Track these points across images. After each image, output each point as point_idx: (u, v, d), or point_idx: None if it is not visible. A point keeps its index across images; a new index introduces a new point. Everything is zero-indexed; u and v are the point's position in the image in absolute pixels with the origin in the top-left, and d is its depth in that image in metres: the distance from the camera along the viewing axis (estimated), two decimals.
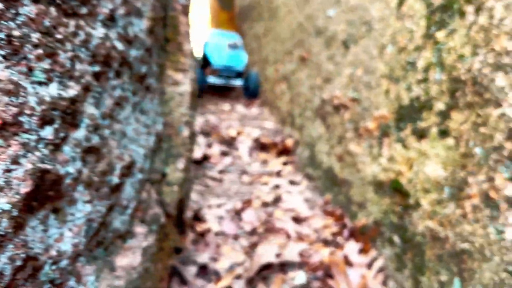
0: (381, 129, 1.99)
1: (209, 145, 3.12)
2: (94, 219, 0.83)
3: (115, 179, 0.93)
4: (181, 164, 1.55)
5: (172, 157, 1.55)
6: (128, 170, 1.04)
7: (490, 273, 1.29)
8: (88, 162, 0.80)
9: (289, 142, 3.15)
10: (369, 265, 1.83)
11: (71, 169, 0.73)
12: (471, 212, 1.39)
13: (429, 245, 1.57)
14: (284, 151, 3.11)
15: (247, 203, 2.35)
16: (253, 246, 1.97)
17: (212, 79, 4.79)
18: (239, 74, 5.11)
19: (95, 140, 0.82)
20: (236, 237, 2.08)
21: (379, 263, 1.79)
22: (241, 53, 5.07)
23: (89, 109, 0.81)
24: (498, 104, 1.32)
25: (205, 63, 5.07)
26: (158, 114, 1.40)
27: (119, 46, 0.98)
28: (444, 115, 1.58)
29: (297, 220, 2.20)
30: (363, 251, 1.91)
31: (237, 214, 2.28)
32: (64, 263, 0.73)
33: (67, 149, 0.72)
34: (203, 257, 1.86)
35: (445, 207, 1.51)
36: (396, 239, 1.77)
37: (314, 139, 2.80)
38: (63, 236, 0.73)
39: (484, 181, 1.35)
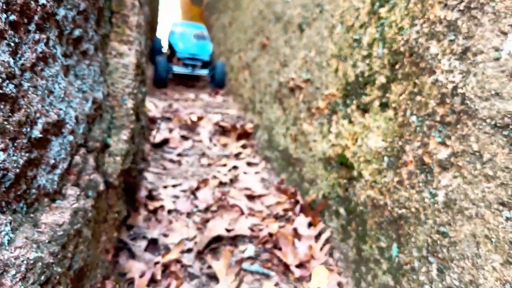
0: (330, 107, 2.03)
1: (170, 130, 3.11)
2: (9, 169, 0.82)
3: (36, 133, 0.92)
4: (124, 135, 1.54)
5: (116, 128, 1.54)
6: (55, 128, 1.04)
7: (424, 235, 1.35)
8: (0, 110, 0.79)
9: (249, 126, 3.17)
10: (317, 237, 1.87)
11: None
12: (407, 179, 1.45)
13: (370, 214, 1.61)
14: (244, 135, 3.13)
15: (203, 182, 2.36)
16: (205, 222, 1.98)
17: (177, 68, 4.78)
18: (205, 64, 5.10)
19: (9, 88, 0.82)
20: (189, 215, 2.09)
21: (326, 235, 1.84)
22: (206, 43, 5.11)
23: (3, 56, 0.80)
24: (432, 72, 1.37)
25: (170, 52, 5.09)
26: (98, 82, 1.40)
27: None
28: (385, 88, 1.63)
29: (251, 198, 2.23)
30: (312, 224, 1.95)
31: (192, 193, 2.28)
32: None
33: None
34: (153, 233, 1.86)
35: (384, 176, 1.56)
36: (341, 211, 1.81)
37: (272, 122, 2.83)
38: None
39: (419, 147, 1.41)
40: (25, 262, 0.86)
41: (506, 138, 1.08)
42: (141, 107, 1.88)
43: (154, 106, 3.27)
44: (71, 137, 1.14)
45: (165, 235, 1.88)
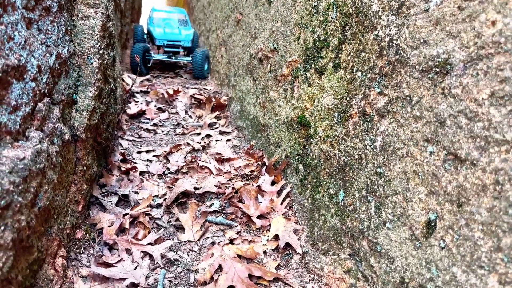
0: (293, 73, 2.14)
1: (147, 103, 3.20)
2: None
3: None
4: (90, 92, 1.63)
5: (82, 86, 1.63)
6: (15, 72, 1.13)
7: (365, 178, 1.47)
8: None
9: (223, 99, 3.27)
10: (279, 193, 1.99)
11: None
12: (352, 130, 1.56)
13: (323, 166, 1.73)
14: (218, 107, 3.23)
15: (176, 147, 2.47)
16: (175, 181, 2.09)
17: (156, 56, 4.43)
18: (187, 51, 4.87)
19: None
20: (160, 176, 2.20)
21: (286, 190, 1.96)
22: (187, 29, 4.80)
23: None
24: (374, 28, 1.48)
25: (150, 39, 4.84)
26: (63, 40, 1.48)
27: None
28: (338, 50, 1.73)
29: (221, 161, 2.34)
30: (275, 182, 2.07)
31: (165, 158, 2.39)
32: None
33: None
34: (125, 191, 1.96)
35: (335, 130, 1.68)
36: (300, 167, 1.93)
37: (244, 93, 2.94)
38: None
39: (361, 99, 1.52)
40: None
41: (431, 80, 1.20)
42: (110, 70, 1.96)
43: (131, 80, 3.35)
44: (33, 84, 1.23)
45: (136, 192, 1.98)
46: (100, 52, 1.68)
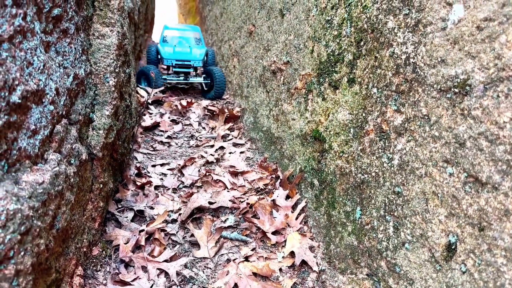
0: (307, 86, 2.13)
1: (161, 114, 3.21)
2: None
3: (15, 98, 1.03)
4: (107, 111, 1.65)
5: (99, 104, 1.65)
6: (35, 97, 1.14)
7: (382, 197, 1.45)
8: None
9: (236, 109, 3.28)
10: (294, 208, 1.98)
11: None
12: (369, 146, 1.55)
13: (338, 182, 1.72)
14: (231, 119, 3.24)
15: (190, 161, 2.47)
16: (190, 196, 2.09)
17: (167, 78, 4.07)
18: (201, 72, 4.50)
19: None
20: (175, 190, 2.20)
21: (301, 205, 1.94)
22: (199, 47, 4.36)
23: None
24: (389, 45, 1.47)
25: (160, 59, 4.38)
26: (79, 60, 1.50)
27: None
28: (352, 65, 1.72)
29: (235, 174, 2.33)
30: (289, 196, 2.05)
31: (179, 171, 2.39)
32: None
33: None
34: (140, 206, 1.97)
35: (350, 146, 1.66)
36: (315, 182, 1.92)
37: (257, 105, 2.93)
38: None
39: (378, 116, 1.51)
40: (5, 212, 0.96)
41: (449, 100, 1.18)
42: (126, 87, 1.98)
43: (145, 92, 3.38)
44: (51, 107, 1.24)
45: (151, 208, 1.99)
46: (116, 70, 1.70)
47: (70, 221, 1.38)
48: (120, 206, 1.95)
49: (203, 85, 4.22)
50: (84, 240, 1.56)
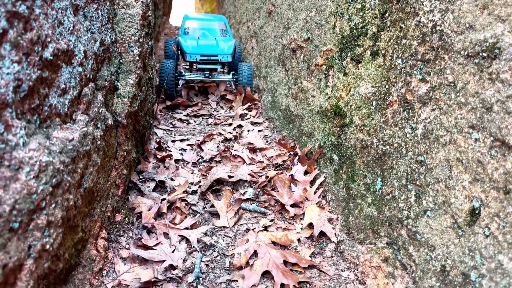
0: (328, 63, 2.12)
1: (180, 94, 3.24)
2: (23, 80, 0.96)
3: (47, 54, 1.05)
4: (131, 79, 1.67)
5: (123, 73, 1.67)
6: (65, 56, 1.17)
7: (404, 166, 1.45)
8: (14, 26, 0.92)
9: (251, 93, 3.29)
10: (312, 183, 1.99)
11: None
12: (391, 118, 1.54)
13: (359, 155, 1.72)
14: (249, 99, 3.25)
15: (209, 137, 2.49)
16: (209, 169, 2.12)
17: (189, 75, 3.47)
18: (226, 68, 3.91)
19: (22, 8, 0.95)
20: (194, 164, 2.23)
21: (320, 180, 1.95)
22: (226, 40, 3.72)
23: None
24: (415, 14, 1.45)
25: (180, 54, 3.79)
26: (106, 27, 1.52)
27: None
28: (376, 37, 1.71)
29: (253, 150, 2.35)
30: (308, 172, 2.06)
31: (198, 146, 2.42)
32: None
33: None
34: (161, 177, 2.00)
35: (372, 118, 1.66)
36: (334, 157, 1.92)
37: (276, 84, 2.94)
38: None
39: (402, 86, 1.50)
40: (38, 163, 0.99)
41: (477, 65, 1.17)
42: (149, 59, 2.00)
43: None
44: (80, 69, 1.27)
45: (172, 179, 2.02)
46: (140, 40, 1.72)
47: (96, 183, 1.41)
48: (141, 177, 1.99)
49: (232, 83, 3.65)
50: (108, 205, 1.59)
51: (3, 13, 0.89)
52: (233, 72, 3.57)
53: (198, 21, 4.00)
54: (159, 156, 2.17)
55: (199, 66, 3.42)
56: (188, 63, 3.70)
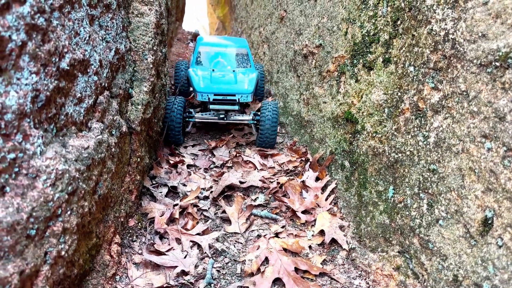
0: (339, 69, 2.13)
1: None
2: (40, 90, 0.98)
3: (64, 65, 1.08)
4: (145, 87, 1.70)
5: (137, 80, 1.70)
6: (81, 65, 1.19)
7: (417, 175, 1.45)
8: (33, 38, 0.95)
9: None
10: (323, 189, 1.99)
11: (14, 36, 0.88)
12: (404, 125, 1.54)
13: (371, 162, 1.72)
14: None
15: (221, 142, 2.51)
16: (221, 175, 2.13)
17: (200, 115, 2.77)
18: (246, 108, 3.22)
19: (40, 21, 0.97)
20: (206, 170, 2.24)
21: (331, 186, 1.95)
22: (247, 71, 2.94)
23: None
24: (428, 22, 1.45)
25: (190, 87, 3.10)
26: (120, 36, 1.55)
27: None
28: (388, 44, 1.71)
29: (265, 156, 2.36)
30: (319, 178, 2.06)
31: (210, 152, 2.44)
32: (9, 116, 0.88)
33: (9, 17, 0.87)
34: (174, 182, 2.02)
35: (384, 126, 1.66)
36: (346, 163, 1.92)
37: (287, 90, 2.95)
38: (8, 93, 0.88)
39: (414, 94, 1.49)
40: (54, 171, 1.02)
41: (490, 75, 1.17)
42: (162, 66, 2.03)
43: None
44: (95, 78, 1.29)
45: (184, 185, 2.04)
46: (154, 48, 1.74)
47: (110, 190, 1.43)
48: (154, 182, 2.01)
49: (252, 126, 2.80)
50: (122, 211, 1.61)
51: (22, 25, 0.91)
52: (254, 112, 2.78)
53: (213, 47, 3.20)
54: (171, 161, 2.19)
55: (212, 106, 2.69)
56: (197, 101, 3.02)
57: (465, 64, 1.26)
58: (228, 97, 2.62)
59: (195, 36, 5.54)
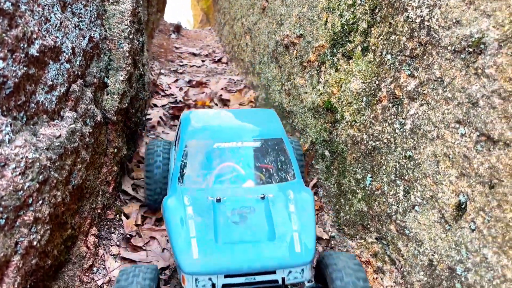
0: (320, 59, 2.13)
1: (180, 88, 3.25)
2: (8, 77, 0.95)
3: (33, 51, 1.05)
4: (121, 76, 1.67)
5: (113, 69, 1.67)
6: (52, 53, 1.16)
7: (393, 162, 1.46)
8: None
9: (252, 95, 3.29)
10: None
11: None
12: (381, 113, 1.55)
13: (349, 151, 1.72)
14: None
15: None
16: None
17: None
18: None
19: (7, 5, 0.94)
20: None
21: (312, 182, 1.96)
22: (294, 201, 1.39)
23: None
24: (404, 9, 1.45)
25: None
26: (95, 24, 1.52)
27: None
28: (366, 33, 1.71)
29: None
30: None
31: None
32: None
33: None
34: None
35: (362, 114, 1.66)
36: (326, 153, 1.92)
37: (269, 80, 2.94)
38: None
39: (391, 82, 1.50)
40: (24, 159, 0.99)
41: (463, 61, 1.18)
42: (140, 56, 2.00)
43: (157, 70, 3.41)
44: (68, 65, 1.26)
45: None
46: (130, 37, 1.71)
47: (85, 180, 1.41)
48: (134, 184, 1.98)
49: None
50: (99, 202, 1.59)
51: None
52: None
53: (214, 139, 1.57)
54: None
55: None
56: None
57: (440, 50, 1.27)
58: (259, 277, 1.25)
59: (177, 28, 5.43)
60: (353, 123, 1.72)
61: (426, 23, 1.33)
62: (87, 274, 1.42)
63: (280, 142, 1.59)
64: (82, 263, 1.42)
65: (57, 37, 1.20)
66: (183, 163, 1.49)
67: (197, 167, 1.50)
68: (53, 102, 1.19)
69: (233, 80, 3.74)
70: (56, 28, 1.20)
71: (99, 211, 1.59)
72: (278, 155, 1.56)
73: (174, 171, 1.50)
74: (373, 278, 1.43)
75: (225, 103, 3.16)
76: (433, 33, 1.30)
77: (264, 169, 1.52)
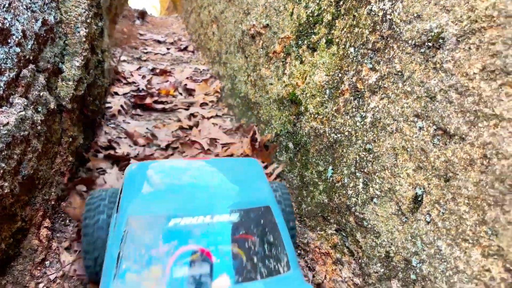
0: (285, 50, 2.11)
1: (142, 76, 3.16)
2: None
3: None
4: (77, 62, 1.60)
5: (68, 55, 1.59)
6: None
7: (354, 154, 1.47)
8: None
9: (218, 85, 3.24)
10: (271, 174, 1.99)
11: None
12: (343, 106, 1.55)
13: (312, 143, 1.73)
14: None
15: (163, 125, 2.44)
16: (166, 158, 2.07)
17: None
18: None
19: None
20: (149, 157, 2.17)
21: (277, 170, 1.95)
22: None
23: None
24: (368, 2, 1.46)
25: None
26: (49, 6, 1.44)
27: None
28: (331, 25, 1.71)
29: (211, 139, 2.32)
30: (263, 162, 2.06)
31: (152, 135, 2.36)
32: None
33: None
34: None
35: (325, 107, 1.67)
36: (290, 145, 1.92)
37: (235, 71, 2.91)
38: None
39: (353, 75, 1.51)
40: None
41: (423, 55, 1.19)
42: (98, 41, 1.92)
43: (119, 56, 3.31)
44: (18, 49, 1.19)
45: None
46: (88, 21, 1.64)
47: (37, 170, 1.34)
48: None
49: None
50: (53, 193, 1.52)
51: None
52: None
53: (169, 212, 1.08)
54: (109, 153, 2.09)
55: None
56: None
57: (401, 44, 1.28)
58: None
59: (142, 14, 5.27)
60: (316, 116, 1.72)
61: (388, 16, 1.34)
62: (39, 268, 1.36)
63: (267, 212, 1.17)
64: (34, 257, 1.36)
65: (5, 18, 1.12)
66: (121, 253, 0.99)
67: (143, 259, 0.99)
68: (1, 88, 1.12)
69: (199, 69, 3.68)
70: (4, 9, 1.12)
71: (52, 202, 1.52)
72: (265, 233, 1.13)
73: (108, 261, 1.01)
74: (332, 269, 1.45)
75: (190, 93, 3.10)
76: (394, 26, 1.31)
77: (245, 258, 1.06)
